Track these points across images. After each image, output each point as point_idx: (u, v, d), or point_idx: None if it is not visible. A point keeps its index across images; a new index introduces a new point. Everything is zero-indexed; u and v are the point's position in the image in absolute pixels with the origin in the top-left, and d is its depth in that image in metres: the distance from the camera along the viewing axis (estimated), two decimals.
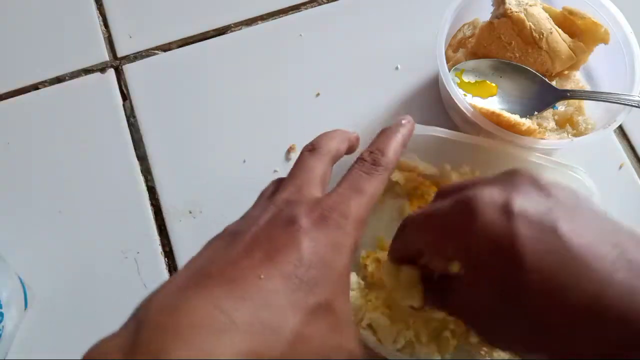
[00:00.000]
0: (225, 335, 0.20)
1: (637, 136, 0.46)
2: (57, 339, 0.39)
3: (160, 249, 0.42)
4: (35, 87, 0.47)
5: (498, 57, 0.41)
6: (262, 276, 0.22)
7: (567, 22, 0.42)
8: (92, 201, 0.43)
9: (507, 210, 0.25)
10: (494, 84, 0.41)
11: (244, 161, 0.45)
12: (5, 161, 0.44)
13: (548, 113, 0.42)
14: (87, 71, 0.47)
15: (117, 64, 0.48)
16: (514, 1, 0.40)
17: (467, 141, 0.38)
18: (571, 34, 0.42)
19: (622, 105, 0.38)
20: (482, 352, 0.35)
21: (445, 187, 0.30)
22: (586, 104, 0.43)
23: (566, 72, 0.43)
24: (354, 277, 0.36)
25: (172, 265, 0.42)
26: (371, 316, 0.34)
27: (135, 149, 0.45)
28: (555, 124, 0.42)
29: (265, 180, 0.43)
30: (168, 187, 0.44)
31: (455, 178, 0.39)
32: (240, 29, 0.49)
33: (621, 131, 0.47)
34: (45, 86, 0.47)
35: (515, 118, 0.38)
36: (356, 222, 0.25)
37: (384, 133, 0.30)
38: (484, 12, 0.43)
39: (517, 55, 0.41)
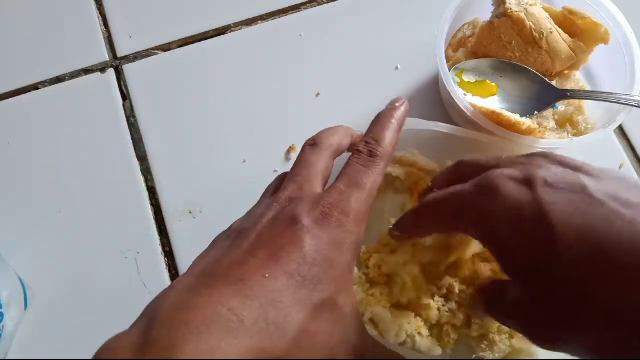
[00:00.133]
0: (234, 332, 0.20)
1: (637, 136, 0.46)
2: (57, 339, 0.39)
3: (160, 249, 0.42)
4: (35, 87, 0.47)
5: (498, 57, 0.41)
6: (267, 275, 0.22)
7: (567, 22, 0.42)
8: (92, 201, 0.43)
9: (529, 181, 0.24)
10: (494, 84, 0.41)
11: (244, 161, 0.45)
12: (5, 161, 0.44)
13: (548, 113, 0.42)
14: (87, 71, 0.47)
15: (117, 64, 0.48)
16: (514, 1, 0.40)
17: (468, 136, 0.38)
18: (571, 34, 0.42)
19: (622, 105, 0.38)
20: (483, 346, 0.35)
21: (465, 162, 0.30)
22: (586, 104, 0.43)
23: (566, 71, 0.43)
24: (355, 272, 0.36)
25: (172, 265, 0.42)
26: (373, 310, 0.34)
27: (135, 149, 0.45)
28: (556, 124, 0.42)
29: (265, 180, 0.43)
30: (168, 187, 0.44)
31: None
32: (240, 29, 0.49)
33: (621, 131, 0.47)
34: (45, 86, 0.47)
35: (515, 117, 0.38)
36: (357, 219, 0.25)
37: (379, 120, 0.30)
38: (484, 12, 0.43)
39: (517, 54, 0.41)
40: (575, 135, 0.41)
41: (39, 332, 0.40)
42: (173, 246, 0.42)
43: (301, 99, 0.47)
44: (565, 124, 0.42)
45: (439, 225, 0.29)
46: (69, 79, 0.47)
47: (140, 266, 0.41)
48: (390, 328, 0.34)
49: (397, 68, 0.48)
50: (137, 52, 0.48)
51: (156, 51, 0.48)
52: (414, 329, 0.34)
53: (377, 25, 0.49)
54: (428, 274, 0.36)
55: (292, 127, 0.46)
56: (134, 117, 0.46)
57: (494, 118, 0.38)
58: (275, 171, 0.44)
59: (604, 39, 0.41)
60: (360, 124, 0.45)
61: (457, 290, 0.35)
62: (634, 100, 0.38)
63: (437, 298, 0.35)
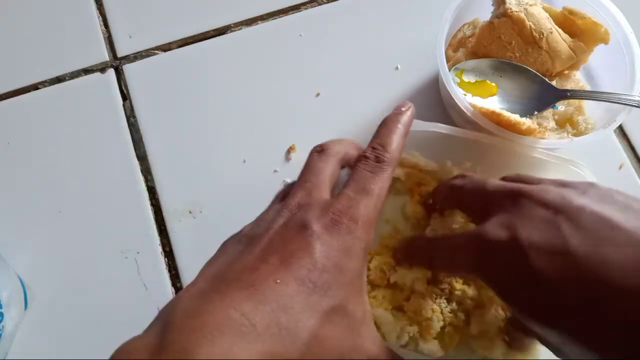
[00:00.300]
0: (246, 337, 0.21)
1: (637, 136, 0.47)
2: (57, 339, 0.39)
3: (160, 249, 0.42)
4: (35, 87, 0.47)
5: (498, 57, 0.41)
6: (278, 281, 0.23)
7: (567, 22, 0.42)
8: (92, 201, 0.43)
9: (517, 247, 0.26)
10: (494, 84, 0.41)
11: (244, 161, 0.45)
12: (5, 161, 0.44)
13: (548, 113, 0.42)
14: (87, 71, 0.47)
15: (117, 64, 0.48)
16: (514, 1, 0.40)
17: (468, 137, 0.38)
18: (571, 34, 0.42)
19: (622, 105, 0.38)
20: (484, 346, 0.35)
21: (459, 184, 0.33)
22: (586, 104, 0.43)
23: (566, 71, 0.43)
24: None
25: (172, 265, 0.42)
26: (375, 312, 0.34)
27: (135, 149, 0.45)
28: (555, 124, 0.42)
29: (265, 180, 0.44)
30: (168, 187, 0.44)
31: (456, 174, 0.39)
32: (240, 29, 0.49)
33: (621, 131, 0.47)
34: (45, 86, 0.47)
35: (515, 117, 0.38)
36: (366, 226, 0.26)
37: (385, 125, 0.30)
38: (484, 12, 0.43)
39: (517, 55, 0.41)
40: (575, 135, 0.41)
41: (39, 332, 0.40)
42: (173, 246, 0.42)
43: (301, 99, 0.47)
44: (565, 124, 0.42)
45: (438, 268, 0.34)
46: (69, 79, 0.47)
47: (140, 266, 0.41)
48: (392, 330, 0.34)
49: (397, 68, 0.48)
50: (137, 52, 0.48)
51: (156, 51, 0.48)
52: (415, 331, 0.35)
53: (377, 25, 0.49)
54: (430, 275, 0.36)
55: (292, 127, 0.46)
56: (134, 117, 0.46)
57: (494, 118, 0.38)
58: (275, 171, 0.44)
59: (604, 39, 0.41)
60: (360, 124, 0.46)
61: (457, 291, 0.35)
62: (634, 100, 0.38)
63: (438, 300, 0.35)
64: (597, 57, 0.43)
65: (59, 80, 0.47)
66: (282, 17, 0.50)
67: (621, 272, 0.23)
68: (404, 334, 0.34)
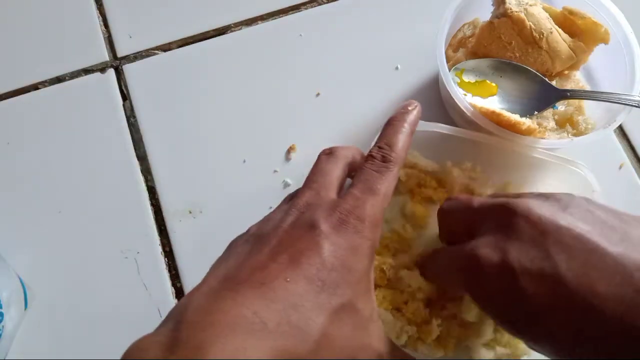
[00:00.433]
0: (257, 334, 0.21)
1: (637, 136, 0.46)
2: (57, 339, 0.39)
3: (160, 249, 0.42)
4: (35, 87, 0.47)
5: (498, 57, 0.41)
6: (288, 279, 0.23)
7: (567, 22, 0.42)
8: (92, 201, 0.43)
9: (508, 271, 0.26)
10: (494, 84, 0.41)
11: (244, 161, 0.45)
12: (5, 161, 0.44)
13: (548, 113, 0.42)
14: (87, 71, 0.47)
15: (117, 64, 0.48)
16: (514, 1, 0.40)
17: (468, 137, 0.38)
18: (571, 34, 0.42)
19: (622, 105, 0.38)
20: (483, 346, 0.35)
21: (447, 209, 0.33)
22: (586, 104, 0.43)
23: (566, 71, 0.43)
24: None
25: (172, 265, 0.42)
26: None
27: (135, 149, 0.45)
28: (555, 124, 0.42)
29: (265, 180, 0.44)
30: (168, 187, 0.44)
31: (456, 174, 0.39)
32: (240, 29, 0.49)
33: (621, 131, 0.47)
34: (45, 86, 0.47)
35: (515, 117, 0.38)
36: (372, 225, 0.26)
37: (391, 125, 0.31)
38: (484, 12, 0.43)
39: (517, 55, 0.41)
40: (575, 135, 0.41)
41: (39, 332, 0.40)
42: (173, 246, 0.42)
43: (301, 99, 0.47)
44: (565, 124, 0.42)
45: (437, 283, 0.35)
46: (69, 79, 0.47)
47: (140, 266, 0.41)
48: (391, 330, 0.34)
49: (397, 68, 0.48)
50: (137, 52, 0.48)
51: (156, 51, 0.48)
52: (414, 331, 0.35)
53: (377, 25, 0.49)
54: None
55: (292, 127, 0.46)
56: (134, 117, 0.46)
57: (494, 118, 0.38)
58: (275, 171, 0.44)
59: (604, 39, 0.41)
60: (360, 124, 0.46)
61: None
62: (634, 100, 0.38)
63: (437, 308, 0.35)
64: (597, 57, 0.43)
65: (59, 80, 0.47)
66: (282, 17, 0.50)
67: (608, 302, 0.23)
68: (403, 334, 0.34)
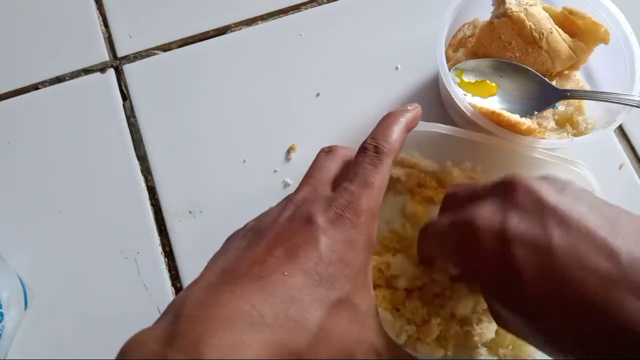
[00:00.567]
0: (255, 327, 0.21)
1: (637, 136, 0.46)
2: (57, 339, 0.39)
3: (160, 249, 0.42)
4: (35, 87, 0.47)
5: (498, 57, 0.41)
6: (286, 273, 0.23)
7: (567, 22, 0.42)
8: (92, 201, 0.43)
9: (502, 236, 0.26)
10: (494, 84, 0.41)
11: (244, 161, 0.45)
12: (5, 161, 0.44)
13: (548, 113, 0.42)
14: (87, 71, 0.47)
15: (117, 64, 0.48)
16: (514, 1, 0.40)
17: (468, 137, 0.38)
18: (571, 34, 0.42)
19: (622, 105, 0.38)
20: (482, 346, 0.35)
21: (452, 192, 0.33)
22: (586, 104, 0.43)
23: (566, 71, 0.43)
24: None
25: (172, 265, 0.42)
26: None
27: (135, 149, 0.45)
28: (555, 124, 0.42)
29: (265, 180, 0.44)
30: (168, 187, 0.44)
31: (456, 174, 0.39)
32: (240, 29, 0.49)
33: (621, 131, 0.47)
34: (45, 86, 0.47)
35: (515, 117, 0.38)
36: (368, 218, 0.26)
37: (387, 118, 0.31)
38: (484, 12, 0.43)
39: (517, 55, 0.41)
40: (575, 135, 0.41)
41: (39, 332, 0.40)
42: (173, 246, 0.42)
43: (301, 99, 0.47)
44: (565, 124, 0.42)
45: (435, 254, 0.34)
46: (69, 79, 0.47)
47: (140, 266, 0.41)
48: (391, 330, 0.34)
49: (397, 68, 0.48)
50: (137, 52, 0.48)
51: (156, 51, 0.48)
52: (413, 330, 0.35)
53: (377, 25, 0.49)
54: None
55: (292, 127, 0.46)
56: (134, 117, 0.46)
57: (494, 118, 0.38)
58: (275, 171, 0.44)
59: (604, 39, 0.41)
60: (360, 124, 0.46)
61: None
62: (634, 100, 0.38)
63: (436, 305, 0.35)
64: (597, 57, 0.43)
65: (59, 80, 0.47)
66: (282, 17, 0.50)
67: (590, 277, 0.24)
68: (402, 334, 0.34)
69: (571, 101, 0.42)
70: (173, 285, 0.41)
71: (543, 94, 0.40)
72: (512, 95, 0.41)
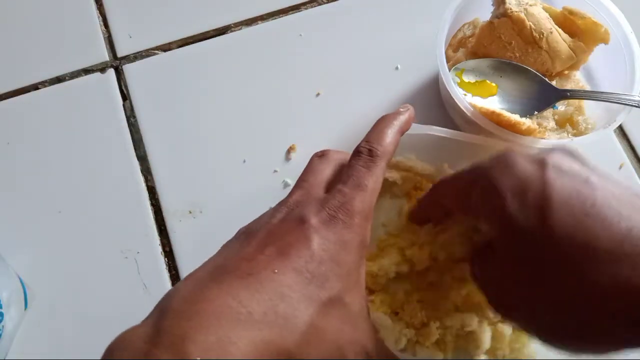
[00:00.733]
0: (242, 324, 0.21)
1: (637, 136, 0.47)
2: (57, 339, 0.39)
3: (160, 249, 0.42)
4: (35, 87, 0.47)
5: (498, 57, 0.41)
6: (276, 270, 0.23)
7: (567, 22, 0.42)
8: (92, 201, 0.43)
9: (541, 163, 0.26)
10: (494, 84, 0.41)
11: (244, 161, 0.45)
12: (5, 161, 0.44)
13: (548, 113, 0.42)
14: (87, 71, 0.47)
15: (117, 64, 0.48)
16: (514, 1, 0.40)
17: (464, 139, 0.38)
18: (571, 34, 0.42)
19: (622, 105, 0.38)
20: (481, 348, 0.35)
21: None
22: (586, 104, 0.43)
23: (566, 72, 0.43)
24: None
25: (172, 265, 0.42)
26: (373, 316, 0.34)
27: (135, 149, 0.45)
28: (555, 124, 0.42)
29: (265, 181, 0.44)
30: (168, 187, 0.44)
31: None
32: (240, 29, 0.49)
33: (621, 131, 0.47)
34: (45, 86, 0.47)
35: (515, 118, 0.38)
36: (361, 220, 0.26)
37: (380, 122, 0.31)
38: (484, 12, 0.43)
39: (517, 55, 0.41)
40: (575, 135, 0.41)
41: (39, 332, 0.40)
42: (173, 246, 0.42)
43: (301, 99, 0.47)
44: (565, 124, 0.42)
45: (452, 198, 0.31)
46: (69, 79, 0.47)
47: (140, 266, 0.41)
48: (391, 334, 0.34)
49: (397, 68, 0.48)
50: (137, 52, 0.48)
51: (156, 51, 0.48)
52: (413, 334, 0.34)
53: (377, 25, 0.49)
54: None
55: (292, 127, 0.46)
56: (134, 117, 0.46)
57: (494, 118, 0.38)
58: (275, 171, 0.44)
59: (604, 39, 0.41)
60: (360, 124, 0.45)
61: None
62: (634, 100, 0.38)
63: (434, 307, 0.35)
64: (597, 57, 0.43)
65: (59, 80, 0.47)
66: (282, 17, 0.50)
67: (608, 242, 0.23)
68: (402, 338, 0.34)
69: (571, 101, 0.42)
70: (173, 285, 0.41)
71: (543, 94, 0.40)
72: (512, 95, 0.41)
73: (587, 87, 0.44)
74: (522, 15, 0.40)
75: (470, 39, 0.44)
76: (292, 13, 0.50)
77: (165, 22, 0.49)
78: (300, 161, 0.44)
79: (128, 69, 0.47)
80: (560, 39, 0.41)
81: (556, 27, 0.41)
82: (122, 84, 0.47)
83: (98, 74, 0.47)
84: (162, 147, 0.45)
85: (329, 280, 0.24)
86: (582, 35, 0.42)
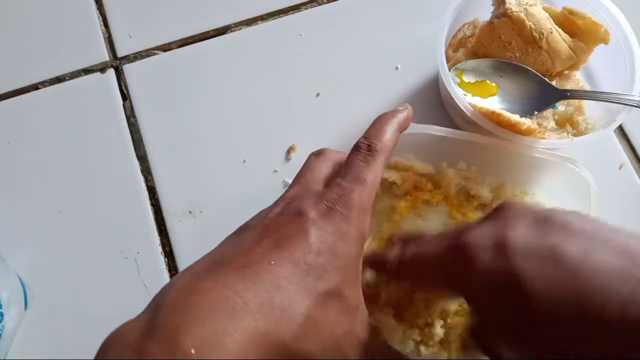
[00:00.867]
0: (238, 315, 0.21)
1: (637, 136, 0.46)
2: (57, 339, 0.39)
3: (160, 249, 0.42)
4: (35, 87, 0.47)
5: (498, 57, 0.41)
6: (272, 262, 0.23)
7: (567, 22, 0.42)
8: (92, 201, 0.43)
9: (502, 249, 0.24)
10: (494, 84, 0.41)
11: (244, 161, 0.45)
12: (5, 161, 0.44)
13: (548, 113, 0.42)
14: (87, 71, 0.47)
15: (117, 64, 0.48)
16: (514, 1, 0.40)
17: (462, 138, 0.38)
18: (571, 34, 0.42)
19: (622, 105, 0.38)
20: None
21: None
22: (586, 104, 0.43)
23: (566, 71, 0.43)
24: None
25: (172, 265, 0.42)
26: (376, 317, 0.34)
27: (135, 149, 0.45)
28: (555, 124, 0.42)
29: (265, 181, 0.44)
30: (168, 187, 0.44)
31: (452, 175, 0.39)
32: (240, 29, 0.49)
33: (621, 131, 0.47)
34: (45, 86, 0.47)
35: (515, 118, 0.38)
36: (360, 213, 0.26)
37: (379, 119, 0.31)
38: (484, 12, 0.43)
39: (517, 55, 0.41)
40: (575, 135, 0.41)
41: (39, 332, 0.40)
42: (173, 246, 0.42)
43: (301, 99, 0.47)
44: (565, 124, 0.42)
45: (421, 282, 0.31)
46: (69, 79, 0.47)
47: (140, 266, 0.41)
48: (394, 335, 0.34)
49: (397, 68, 0.48)
50: (137, 52, 0.48)
51: (156, 51, 0.48)
52: (417, 335, 0.34)
53: (377, 25, 0.49)
54: None
55: (292, 127, 0.46)
56: (134, 117, 0.46)
57: (494, 118, 0.38)
58: (275, 171, 0.44)
59: (604, 39, 0.41)
60: (360, 124, 0.45)
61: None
62: (634, 100, 0.38)
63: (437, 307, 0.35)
64: (597, 57, 0.43)
65: (59, 80, 0.47)
66: (282, 17, 0.50)
67: (615, 278, 0.22)
68: (406, 339, 0.34)
69: (571, 101, 0.42)
70: None
71: (543, 94, 0.40)
72: (512, 95, 0.41)
73: (587, 87, 0.44)
74: (522, 15, 0.40)
75: (470, 39, 0.44)
76: (292, 13, 0.50)
77: (165, 22, 0.49)
78: (300, 161, 0.44)
79: (128, 69, 0.47)
80: (560, 39, 0.41)
81: (556, 27, 0.41)
82: (122, 84, 0.47)
83: (98, 74, 0.47)
84: (162, 147, 0.45)
85: (327, 273, 0.24)
86: (582, 35, 0.42)
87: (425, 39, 0.46)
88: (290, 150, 0.45)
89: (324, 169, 0.29)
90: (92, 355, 0.21)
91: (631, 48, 0.41)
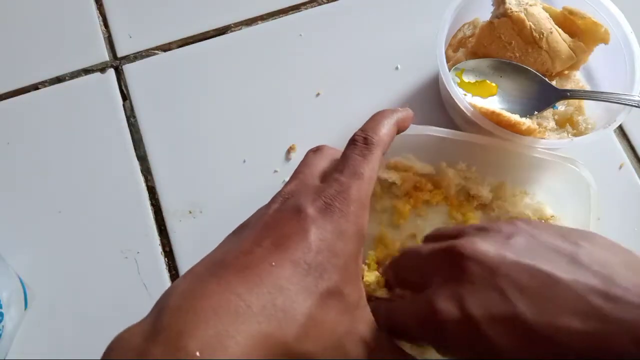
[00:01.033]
0: (241, 318, 0.21)
1: (637, 136, 0.47)
2: (57, 339, 0.39)
3: (160, 249, 0.42)
4: (35, 87, 0.47)
5: (498, 57, 0.41)
6: (273, 263, 0.23)
7: (567, 22, 0.42)
8: (92, 201, 0.43)
9: (469, 322, 0.24)
10: (494, 84, 0.41)
11: (244, 161, 0.45)
12: (5, 161, 0.44)
13: (548, 113, 0.42)
14: (87, 71, 0.47)
15: (117, 64, 0.48)
16: (514, 1, 0.40)
17: (462, 139, 0.38)
18: (571, 34, 0.42)
19: (622, 105, 0.38)
20: None
21: (395, 264, 0.31)
22: (586, 104, 0.43)
23: (566, 72, 0.43)
24: None
25: (172, 265, 0.42)
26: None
27: (135, 149, 0.45)
28: (555, 124, 0.42)
29: (265, 181, 0.44)
30: (168, 187, 0.44)
31: (451, 175, 0.40)
32: (240, 29, 0.49)
33: (621, 131, 0.47)
34: (45, 86, 0.47)
35: (515, 118, 0.38)
36: (358, 208, 0.26)
37: (377, 114, 0.31)
38: (484, 12, 0.43)
39: (517, 55, 0.41)
40: (575, 135, 0.41)
41: (39, 332, 0.40)
42: (173, 246, 0.42)
43: (301, 99, 0.47)
44: (565, 124, 0.42)
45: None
46: (69, 79, 0.47)
47: (140, 266, 0.41)
48: None
49: (397, 68, 0.48)
50: (137, 52, 0.48)
51: (156, 51, 0.48)
52: None
53: (377, 25, 0.49)
54: None
55: (292, 127, 0.46)
56: (134, 117, 0.46)
57: (494, 118, 0.38)
58: (275, 171, 0.44)
59: (604, 39, 0.41)
60: (360, 124, 0.45)
61: None
62: (634, 100, 0.38)
63: None
64: (597, 57, 0.43)
65: (59, 80, 0.47)
66: (282, 17, 0.50)
67: (574, 337, 0.22)
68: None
69: (571, 101, 0.42)
70: None
71: (543, 94, 0.40)
72: (512, 95, 0.41)
73: (587, 87, 0.44)
74: (522, 15, 0.40)
75: (470, 39, 0.44)
76: (292, 13, 0.50)
77: (165, 22, 0.49)
78: (300, 161, 0.44)
79: (128, 69, 0.47)
80: (560, 39, 0.41)
81: (556, 27, 0.41)
82: (122, 84, 0.47)
83: (98, 74, 0.47)
84: (162, 147, 0.45)
85: (327, 272, 0.24)
86: (582, 35, 0.42)
87: (425, 39, 0.46)
88: (290, 150, 0.45)
89: (321, 164, 0.29)
90: (92, 355, 0.21)
91: (631, 48, 0.41)
